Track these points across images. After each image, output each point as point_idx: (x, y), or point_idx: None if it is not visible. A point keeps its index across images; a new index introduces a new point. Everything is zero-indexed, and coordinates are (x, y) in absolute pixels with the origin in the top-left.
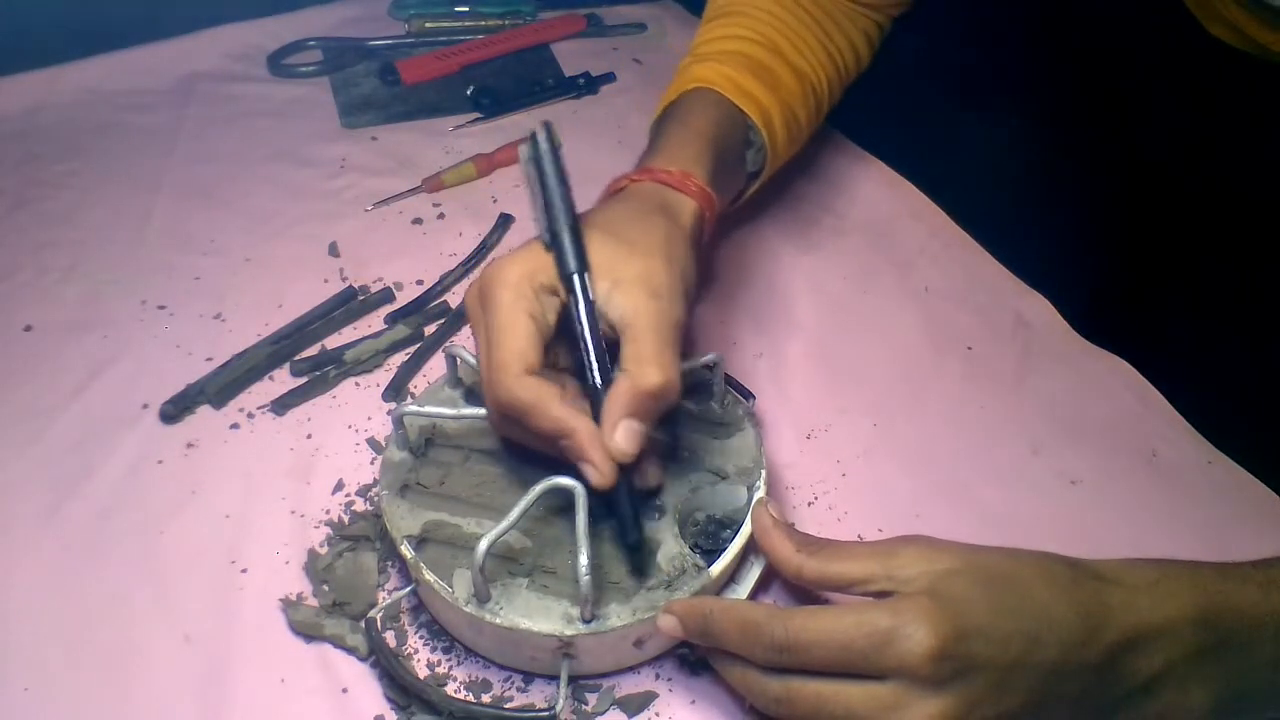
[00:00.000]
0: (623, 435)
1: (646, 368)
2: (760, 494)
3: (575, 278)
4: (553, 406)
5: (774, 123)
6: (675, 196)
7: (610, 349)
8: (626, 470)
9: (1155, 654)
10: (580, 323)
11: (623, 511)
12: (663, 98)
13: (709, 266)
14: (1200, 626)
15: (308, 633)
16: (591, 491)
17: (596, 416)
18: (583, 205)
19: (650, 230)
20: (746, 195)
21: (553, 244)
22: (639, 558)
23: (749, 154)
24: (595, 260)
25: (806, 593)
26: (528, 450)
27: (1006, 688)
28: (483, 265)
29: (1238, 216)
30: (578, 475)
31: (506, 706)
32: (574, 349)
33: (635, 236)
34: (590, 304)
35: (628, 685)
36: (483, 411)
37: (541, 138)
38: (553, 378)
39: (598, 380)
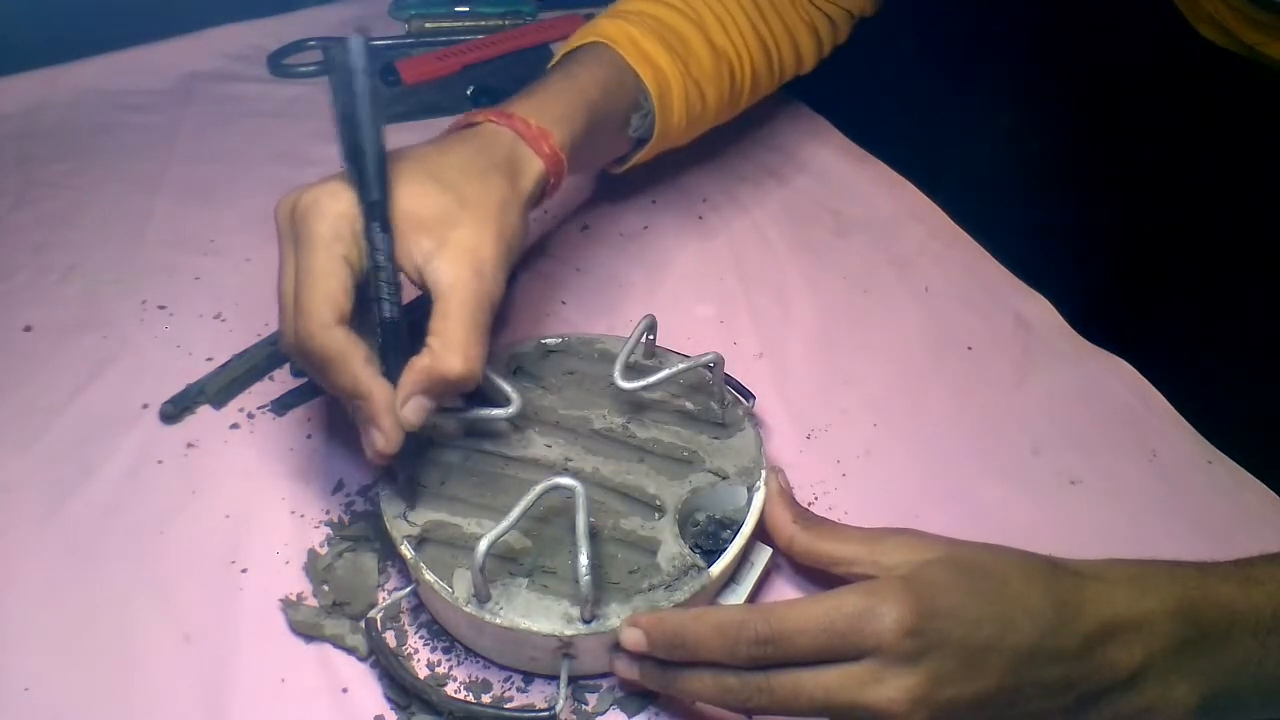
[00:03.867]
0: (412, 409)
1: (451, 354)
2: (760, 494)
3: (376, 205)
4: (354, 364)
5: (671, 93)
6: (525, 152)
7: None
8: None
9: (1134, 646)
10: (376, 253)
11: (403, 457)
12: (562, 46)
13: (711, 265)
14: (1179, 620)
15: (308, 633)
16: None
17: (387, 347)
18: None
19: (489, 191)
20: (631, 162)
21: (351, 162)
22: (407, 490)
23: (634, 118)
24: (420, 210)
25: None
26: (527, 451)
27: (978, 668)
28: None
29: (1235, 216)
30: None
31: (506, 706)
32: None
33: (471, 195)
34: (388, 235)
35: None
36: (483, 411)
37: (354, 48)
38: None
39: (388, 312)
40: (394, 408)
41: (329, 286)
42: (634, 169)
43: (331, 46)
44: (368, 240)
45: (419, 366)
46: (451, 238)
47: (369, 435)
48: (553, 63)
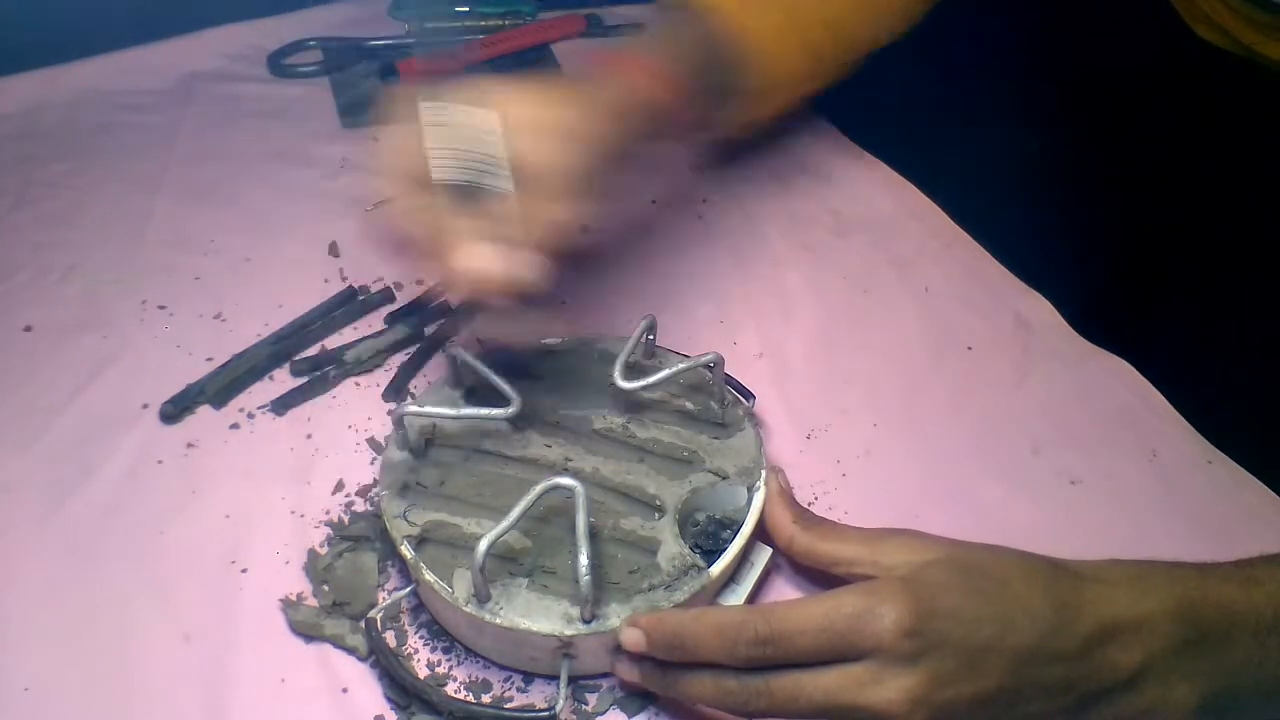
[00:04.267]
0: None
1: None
2: (760, 494)
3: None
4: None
5: (776, 50)
6: (613, 76)
7: None
8: None
9: (1134, 647)
10: None
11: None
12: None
13: (711, 265)
14: (1179, 621)
15: (308, 633)
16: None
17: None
18: None
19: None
20: (745, 119)
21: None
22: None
23: (740, 76)
24: (519, 108)
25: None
26: (527, 451)
27: (978, 669)
28: None
29: (1234, 216)
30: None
31: (506, 706)
32: None
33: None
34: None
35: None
36: (483, 411)
37: None
38: None
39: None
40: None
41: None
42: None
43: None
44: None
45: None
46: (547, 125)
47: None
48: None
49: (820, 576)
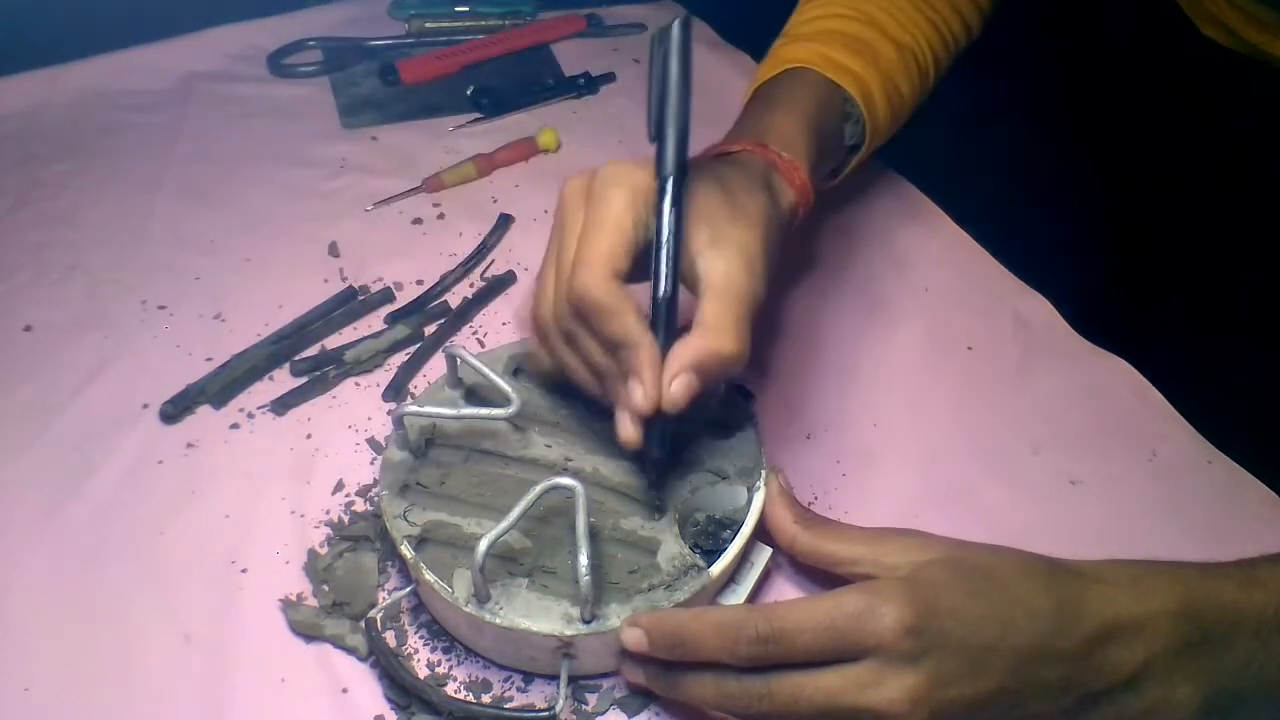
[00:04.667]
0: (680, 385)
1: (726, 332)
2: (760, 494)
3: (670, 180)
4: (628, 315)
5: (873, 96)
6: (780, 182)
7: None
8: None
9: (1136, 647)
10: (662, 227)
11: (650, 439)
12: (754, 78)
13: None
14: (1180, 621)
15: (308, 633)
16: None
17: (657, 323)
18: None
19: (759, 203)
20: (848, 170)
21: (656, 138)
22: (658, 494)
23: (846, 128)
24: (703, 207)
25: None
26: (527, 451)
27: (980, 669)
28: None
29: (1235, 215)
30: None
31: (506, 706)
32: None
33: (745, 203)
34: (678, 212)
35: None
36: (483, 411)
37: (676, 31)
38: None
39: (665, 289)
40: (659, 362)
41: (614, 241)
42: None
43: (660, 29)
44: (657, 215)
45: (691, 340)
46: (727, 234)
47: (630, 390)
48: (749, 96)
49: (821, 576)
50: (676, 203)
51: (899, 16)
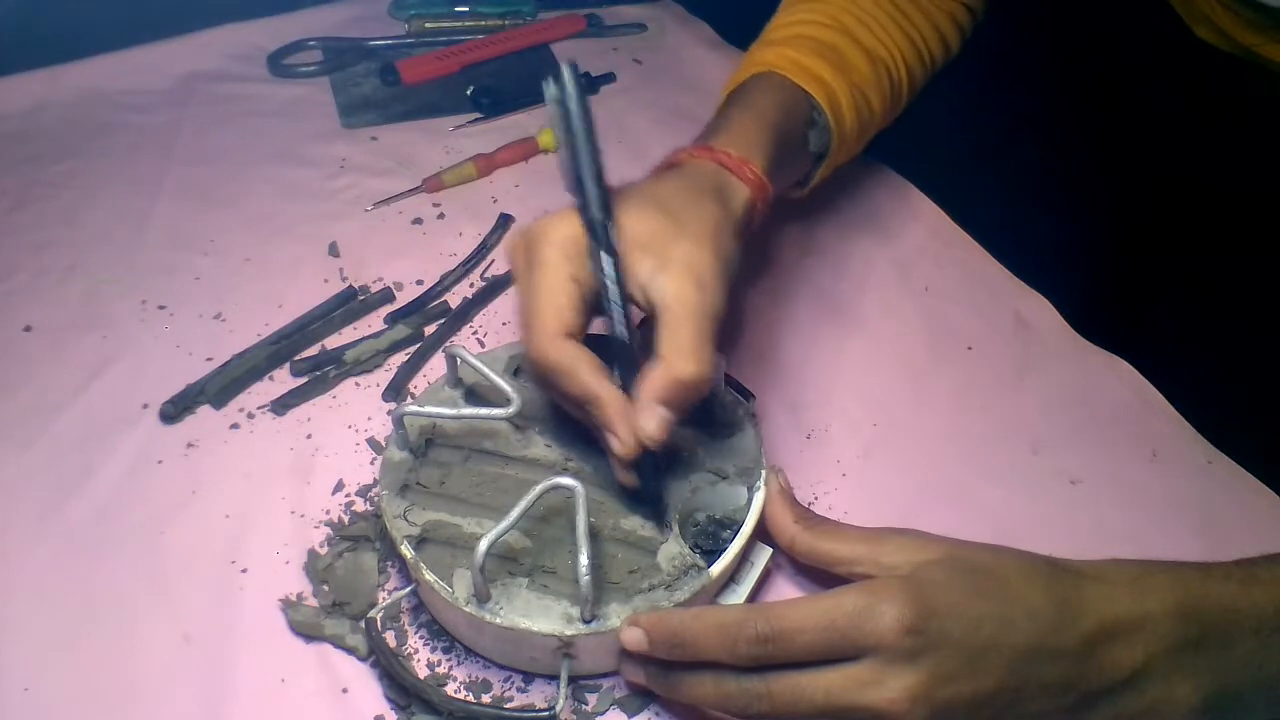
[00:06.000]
0: (654, 422)
1: (684, 358)
2: (760, 494)
3: (598, 223)
4: (582, 372)
5: (840, 104)
6: (731, 180)
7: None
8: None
9: (1135, 646)
10: (602, 270)
11: (644, 474)
12: (726, 83)
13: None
14: (1180, 620)
15: (308, 633)
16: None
17: (618, 363)
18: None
19: (703, 214)
20: (814, 181)
21: (576, 190)
22: (659, 513)
23: (812, 135)
24: (642, 233)
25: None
26: (527, 451)
27: (979, 667)
28: (517, 229)
29: (1234, 215)
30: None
31: (506, 706)
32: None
33: (687, 217)
34: (614, 253)
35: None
36: (483, 411)
37: (566, 76)
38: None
39: (620, 331)
40: (626, 412)
41: (556, 302)
42: (816, 190)
43: (545, 79)
44: (594, 260)
45: (652, 375)
46: (673, 255)
47: (608, 442)
48: (721, 100)
49: (821, 576)
50: (609, 247)
51: (876, 30)
